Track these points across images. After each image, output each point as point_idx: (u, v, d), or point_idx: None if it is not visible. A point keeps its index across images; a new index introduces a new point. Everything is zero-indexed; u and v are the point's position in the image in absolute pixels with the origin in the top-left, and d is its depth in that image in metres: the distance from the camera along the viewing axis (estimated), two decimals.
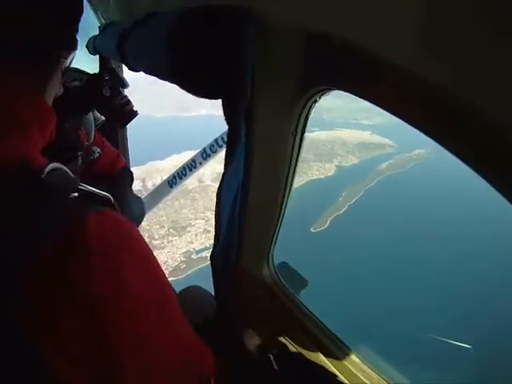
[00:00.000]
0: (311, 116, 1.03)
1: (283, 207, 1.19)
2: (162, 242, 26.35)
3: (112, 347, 0.58)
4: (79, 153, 1.59)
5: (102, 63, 1.77)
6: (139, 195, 2.11)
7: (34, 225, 0.55)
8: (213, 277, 1.43)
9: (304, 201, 32.49)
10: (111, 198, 0.72)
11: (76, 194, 0.64)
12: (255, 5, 0.86)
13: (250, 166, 1.08)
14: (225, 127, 1.08)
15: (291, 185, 1.15)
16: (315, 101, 0.98)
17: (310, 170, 37.27)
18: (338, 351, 1.29)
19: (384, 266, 24.98)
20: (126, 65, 1.45)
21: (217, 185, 1.30)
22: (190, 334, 0.77)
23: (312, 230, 28.81)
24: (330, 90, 0.92)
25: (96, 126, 1.73)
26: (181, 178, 3.37)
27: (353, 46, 0.71)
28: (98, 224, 0.58)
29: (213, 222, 1.41)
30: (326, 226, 29.52)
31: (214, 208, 1.36)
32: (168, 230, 27.35)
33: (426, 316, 21.26)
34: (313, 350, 1.30)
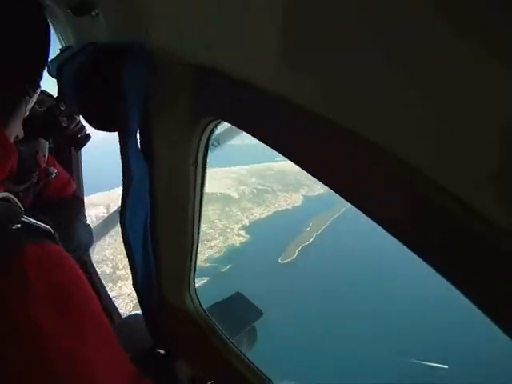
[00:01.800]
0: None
1: (195, 236, 1.22)
2: (127, 273, 25.18)
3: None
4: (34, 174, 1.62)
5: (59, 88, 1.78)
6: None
7: None
8: (140, 307, 1.39)
9: (271, 232, 32.63)
10: (51, 230, 0.75)
11: (19, 226, 0.67)
12: (147, 41, 0.91)
13: (155, 198, 1.11)
14: None
15: (199, 213, 1.17)
16: (212, 131, 1.02)
17: (276, 201, 37.62)
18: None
19: (350, 291, 25.21)
20: (64, 96, 1.43)
21: None
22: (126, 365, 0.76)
23: (280, 260, 28.76)
24: (220, 121, 0.96)
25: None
26: None
27: (225, 75, 0.76)
28: (35, 255, 0.63)
29: None
30: (294, 256, 29.62)
31: None
32: None
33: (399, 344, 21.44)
34: (236, 382, 1.29)
